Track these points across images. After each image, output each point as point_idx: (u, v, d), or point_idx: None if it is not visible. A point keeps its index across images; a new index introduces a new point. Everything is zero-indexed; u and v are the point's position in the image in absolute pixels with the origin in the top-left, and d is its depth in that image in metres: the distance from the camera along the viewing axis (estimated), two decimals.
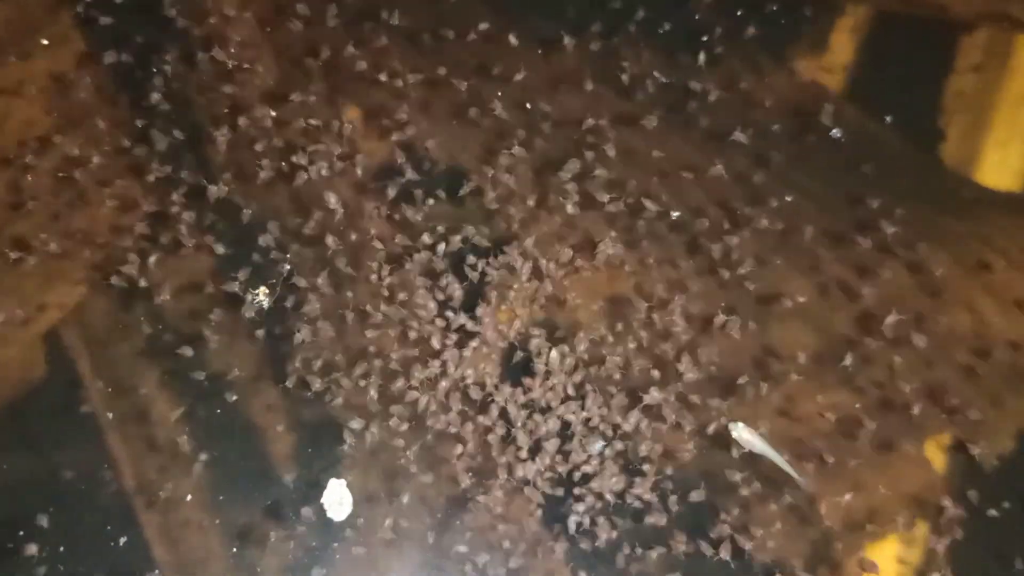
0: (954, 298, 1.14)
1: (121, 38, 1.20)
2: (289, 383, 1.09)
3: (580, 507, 1.05)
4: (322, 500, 1.05)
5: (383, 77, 1.19)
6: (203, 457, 1.07)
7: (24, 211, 1.14)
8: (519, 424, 1.07)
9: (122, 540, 1.04)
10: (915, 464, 1.09)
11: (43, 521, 1.04)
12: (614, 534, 1.05)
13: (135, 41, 1.20)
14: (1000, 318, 1.14)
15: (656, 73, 1.20)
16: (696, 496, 1.06)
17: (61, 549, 1.04)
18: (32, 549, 1.03)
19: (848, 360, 1.10)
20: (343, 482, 1.06)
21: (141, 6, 1.21)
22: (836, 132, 1.20)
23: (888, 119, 1.21)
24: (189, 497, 1.06)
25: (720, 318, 1.12)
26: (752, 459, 1.07)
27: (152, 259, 1.12)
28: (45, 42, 1.20)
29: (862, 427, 1.09)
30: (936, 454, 1.09)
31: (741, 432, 1.05)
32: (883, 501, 1.08)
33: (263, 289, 1.11)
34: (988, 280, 1.15)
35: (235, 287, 1.11)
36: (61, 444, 1.07)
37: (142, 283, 1.12)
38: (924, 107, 1.22)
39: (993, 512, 1.07)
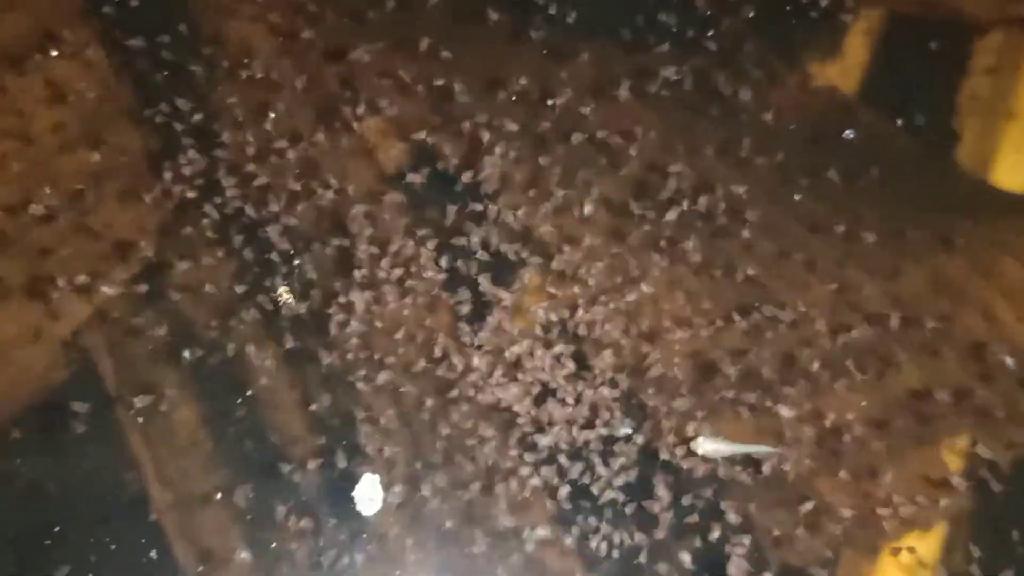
0: (969, 301, 1.14)
1: (140, 48, 1.21)
2: (311, 382, 1.10)
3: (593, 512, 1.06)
4: (353, 493, 1.06)
5: (399, 80, 1.20)
6: (226, 457, 1.08)
7: (45, 215, 1.15)
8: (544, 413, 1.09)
9: (144, 541, 1.05)
10: (931, 466, 1.09)
11: (64, 522, 1.05)
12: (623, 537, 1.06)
13: (152, 49, 1.20)
14: (1016, 320, 1.14)
15: (665, 74, 1.21)
16: (709, 496, 1.07)
17: (83, 551, 1.04)
18: (54, 551, 1.04)
19: (862, 364, 1.10)
20: (376, 477, 1.06)
21: (162, 18, 1.22)
22: (849, 133, 1.20)
23: (902, 122, 1.21)
24: (219, 496, 1.06)
25: (732, 320, 1.12)
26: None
27: (172, 261, 1.13)
28: (55, 53, 1.20)
29: (877, 430, 1.09)
30: (952, 457, 1.09)
31: (705, 446, 1.05)
32: (900, 504, 1.07)
33: (283, 289, 1.11)
34: (1003, 283, 1.15)
35: (256, 288, 1.12)
36: (83, 446, 1.07)
37: (162, 285, 1.12)
38: (938, 110, 1.22)
39: (1012, 513, 1.07)
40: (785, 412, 1.09)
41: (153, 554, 1.04)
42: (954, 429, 1.10)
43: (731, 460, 1.07)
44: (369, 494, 1.05)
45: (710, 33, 1.23)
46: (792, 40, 1.24)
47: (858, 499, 1.07)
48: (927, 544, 1.07)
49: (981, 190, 1.19)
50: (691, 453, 1.06)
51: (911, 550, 1.06)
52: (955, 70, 1.24)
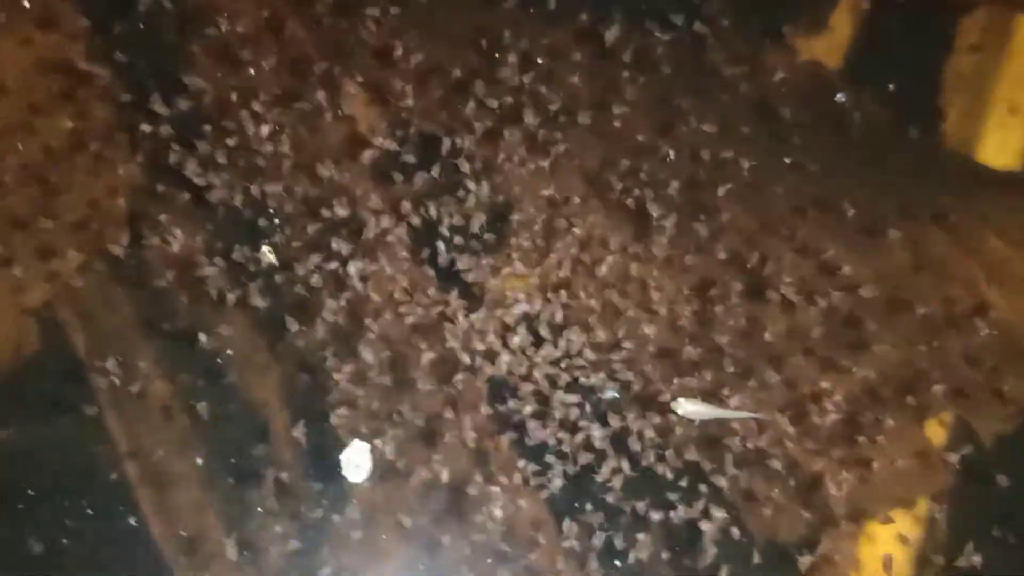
0: (953, 277, 1.14)
1: (121, 15, 1.19)
2: (288, 357, 1.08)
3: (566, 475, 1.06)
4: (341, 457, 1.04)
5: (381, 51, 1.18)
6: (203, 431, 1.06)
7: (15, 185, 1.12)
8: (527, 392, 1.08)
9: (118, 516, 1.03)
10: (916, 443, 1.09)
11: (39, 497, 1.03)
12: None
13: (134, 15, 1.19)
14: (999, 297, 1.14)
15: (650, 47, 1.20)
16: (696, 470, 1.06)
17: (57, 525, 1.02)
18: (28, 526, 1.02)
19: (846, 339, 1.10)
20: (367, 446, 1.05)
21: None
22: (841, 96, 1.19)
23: (887, 99, 1.20)
24: (200, 461, 1.05)
25: (712, 296, 1.12)
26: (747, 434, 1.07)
27: (145, 231, 1.11)
28: (27, 4, 1.18)
29: (862, 406, 1.09)
30: (937, 433, 1.09)
31: (685, 407, 1.05)
32: (883, 479, 1.07)
33: (266, 248, 1.10)
34: (987, 259, 1.16)
35: (232, 256, 1.10)
36: (57, 420, 1.05)
37: (136, 256, 1.10)
38: (924, 87, 1.22)
39: (994, 490, 1.07)
40: (771, 386, 1.09)
41: (125, 528, 1.03)
42: (938, 405, 1.10)
43: (716, 432, 1.06)
44: (357, 460, 1.04)
45: (696, 6, 1.22)
46: (777, 15, 1.24)
47: (842, 474, 1.07)
48: (909, 520, 1.06)
49: (966, 167, 1.20)
50: (673, 414, 1.06)
51: (894, 525, 1.06)
52: (940, 47, 1.24)
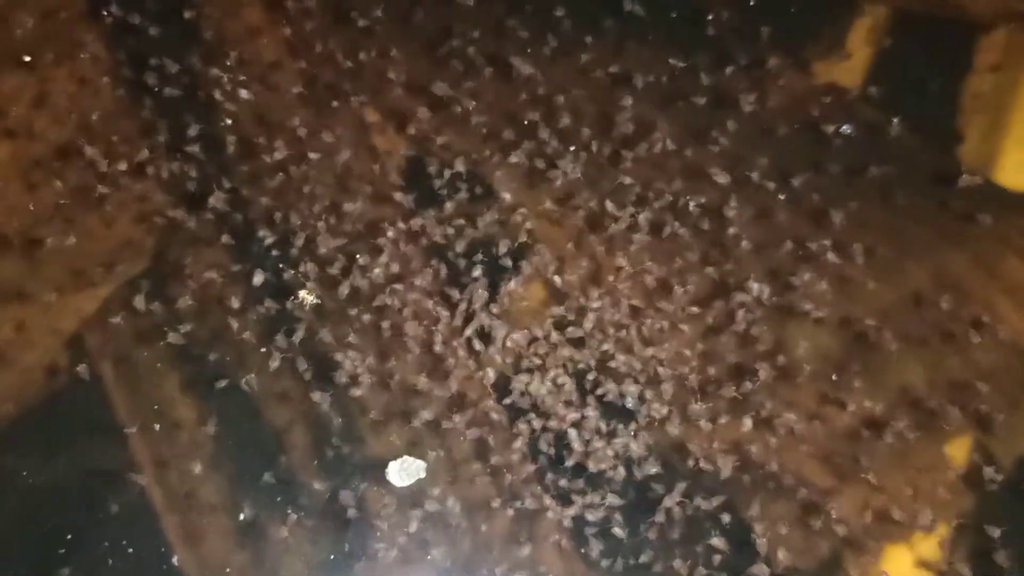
0: (972, 299, 1.14)
1: (144, 45, 1.20)
2: (313, 386, 1.09)
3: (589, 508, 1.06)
4: (392, 463, 1.06)
5: (401, 78, 1.20)
6: (227, 461, 1.07)
7: (44, 217, 1.14)
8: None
9: (144, 543, 1.05)
10: (935, 466, 1.09)
11: (65, 526, 1.05)
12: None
13: (157, 46, 1.20)
14: (1019, 318, 1.14)
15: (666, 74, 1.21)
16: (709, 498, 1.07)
17: (84, 555, 1.04)
18: (56, 555, 1.04)
19: (863, 361, 1.11)
20: (423, 464, 1.06)
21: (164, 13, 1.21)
22: (847, 128, 1.19)
23: (901, 119, 1.20)
24: (223, 497, 1.06)
25: (736, 316, 1.12)
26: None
27: (174, 261, 1.13)
28: (33, 58, 1.20)
29: (881, 429, 1.09)
30: (956, 455, 1.09)
31: None
32: (902, 503, 1.08)
33: (303, 292, 1.11)
34: (1007, 281, 1.15)
35: (259, 288, 1.12)
36: (84, 450, 1.07)
37: (164, 285, 1.12)
38: (942, 108, 1.22)
39: (1014, 513, 1.07)
40: (785, 405, 1.09)
41: (150, 554, 1.05)
42: (957, 428, 1.10)
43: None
44: (409, 469, 1.05)
45: (709, 20, 1.22)
46: (795, 35, 1.24)
47: (861, 499, 1.07)
48: (929, 544, 1.07)
49: (985, 188, 1.19)
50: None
51: (914, 550, 1.06)
52: (959, 67, 1.23)
